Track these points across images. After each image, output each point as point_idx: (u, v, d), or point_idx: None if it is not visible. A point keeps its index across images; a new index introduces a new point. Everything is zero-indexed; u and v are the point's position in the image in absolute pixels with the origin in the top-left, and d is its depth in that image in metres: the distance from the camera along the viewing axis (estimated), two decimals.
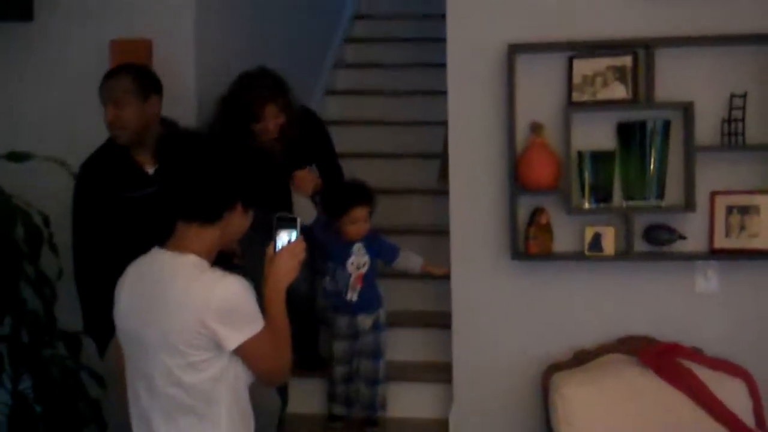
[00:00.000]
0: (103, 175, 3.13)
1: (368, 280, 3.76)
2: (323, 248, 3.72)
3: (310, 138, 3.76)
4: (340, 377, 3.84)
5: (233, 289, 2.03)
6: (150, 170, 3.11)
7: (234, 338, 2.01)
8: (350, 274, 3.71)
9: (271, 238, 2.17)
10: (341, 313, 3.77)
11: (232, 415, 2.07)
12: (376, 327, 3.79)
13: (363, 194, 3.72)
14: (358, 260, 3.70)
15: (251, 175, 2.14)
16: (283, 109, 3.53)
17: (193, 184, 2.06)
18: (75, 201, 3.18)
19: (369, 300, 3.78)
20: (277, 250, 2.17)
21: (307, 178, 3.72)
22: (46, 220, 3.48)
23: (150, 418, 2.07)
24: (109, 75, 3.21)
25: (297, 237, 2.19)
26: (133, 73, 3.18)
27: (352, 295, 3.73)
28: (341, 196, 3.71)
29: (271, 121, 3.50)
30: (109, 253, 2.99)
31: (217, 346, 2.01)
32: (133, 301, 2.10)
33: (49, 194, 3.25)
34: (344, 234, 3.69)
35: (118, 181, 3.11)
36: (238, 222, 2.15)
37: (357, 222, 3.67)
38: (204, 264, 2.07)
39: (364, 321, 3.77)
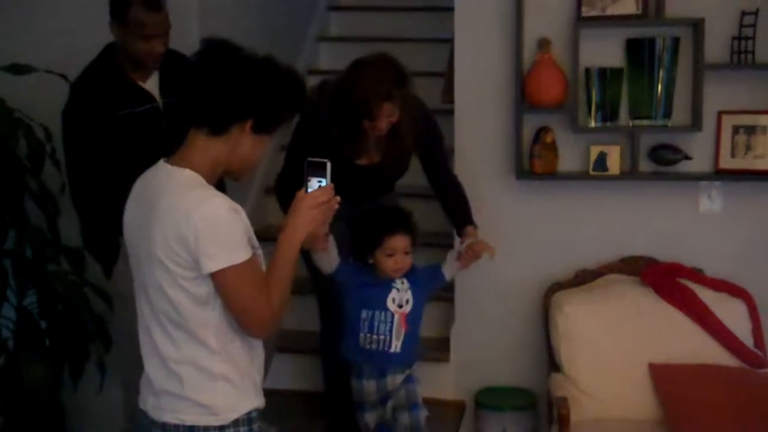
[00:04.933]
0: (99, 94, 3.05)
1: (412, 322, 3.06)
2: (353, 296, 3.05)
3: (418, 144, 3.24)
4: None
5: (219, 210, 1.93)
6: (146, 86, 3.08)
7: (210, 263, 1.93)
8: (393, 314, 3.01)
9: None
10: (366, 377, 3.05)
11: (222, 340, 2.03)
12: (407, 380, 3.09)
13: (399, 221, 3.02)
14: (401, 296, 3.01)
15: (270, 96, 2.02)
16: (401, 106, 3.03)
17: (207, 86, 1.99)
18: (70, 122, 3.10)
19: (408, 351, 3.06)
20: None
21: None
22: (49, 134, 3.45)
23: (150, 329, 2.07)
24: None
25: (326, 184, 2.04)
26: None
27: (397, 345, 3.01)
28: (373, 223, 3.02)
29: (385, 119, 3.01)
30: (108, 172, 2.98)
31: (198, 267, 1.94)
32: (134, 214, 2.10)
33: (51, 108, 3.21)
34: (381, 271, 3.01)
35: (116, 99, 3.04)
36: (248, 145, 2.04)
37: (395, 253, 2.98)
38: (199, 180, 1.99)
39: (394, 380, 3.06)
